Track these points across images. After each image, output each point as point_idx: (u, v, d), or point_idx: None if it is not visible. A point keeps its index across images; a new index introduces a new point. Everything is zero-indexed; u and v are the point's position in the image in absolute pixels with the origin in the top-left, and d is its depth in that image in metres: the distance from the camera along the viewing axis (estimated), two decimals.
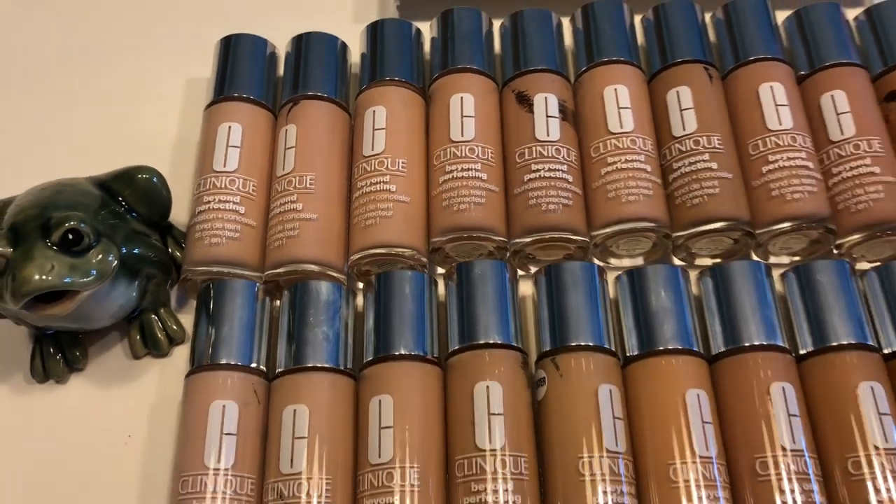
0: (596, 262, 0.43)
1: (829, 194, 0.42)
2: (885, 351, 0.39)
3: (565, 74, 0.46)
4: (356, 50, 0.48)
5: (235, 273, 0.41)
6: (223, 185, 0.42)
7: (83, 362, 0.42)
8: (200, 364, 0.38)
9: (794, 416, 0.37)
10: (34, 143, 0.49)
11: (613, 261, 0.44)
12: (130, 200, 0.41)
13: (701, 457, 0.36)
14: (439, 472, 0.36)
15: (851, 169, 0.42)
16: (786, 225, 0.41)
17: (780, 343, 0.38)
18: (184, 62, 0.51)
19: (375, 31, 0.47)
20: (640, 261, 0.43)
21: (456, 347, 0.38)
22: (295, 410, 0.37)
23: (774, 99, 0.43)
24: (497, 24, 0.48)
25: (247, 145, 0.43)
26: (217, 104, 0.45)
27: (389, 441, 0.36)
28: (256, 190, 0.43)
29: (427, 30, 0.48)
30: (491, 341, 0.38)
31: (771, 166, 0.42)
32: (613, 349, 0.39)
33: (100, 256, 0.36)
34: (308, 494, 0.35)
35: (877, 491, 0.35)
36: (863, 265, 0.42)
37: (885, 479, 0.35)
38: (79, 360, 0.41)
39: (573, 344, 0.38)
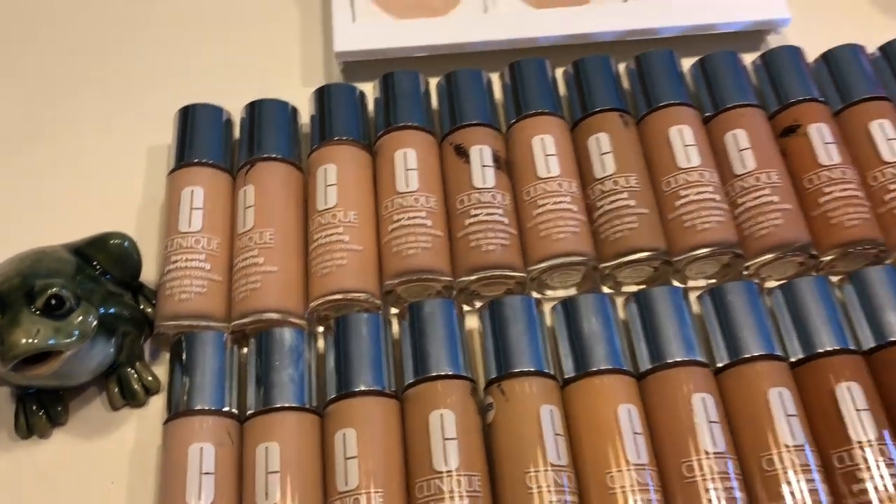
0: (534, 294, 0.48)
1: (736, 222, 0.47)
2: (792, 359, 0.44)
3: (497, 126, 0.51)
4: (305, 111, 0.52)
5: (204, 325, 0.44)
6: (189, 245, 0.46)
7: (65, 417, 0.45)
8: (177, 411, 0.42)
9: (714, 422, 0.41)
10: (8, 214, 0.52)
11: (549, 292, 0.48)
12: (104, 264, 0.44)
13: (634, 464, 0.40)
14: (401, 495, 0.40)
15: (754, 199, 0.47)
16: (699, 252, 0.46)
17: (698, 358, 0.43)
18: (145, 131, 0.54)
19: (323, 95, 0.51)
20: (572, 291, 0.48)
21: (411, 381, 0.42)
22: (267, 448, 0.40)
23: (683, 140, 0.49)
24: (433, 83, 0.53)
25: (209, 206, 0.47)
26: (179, 169, 0.48)
27: (355, 470, 0.40)
28: (220, 247, 0.46)
29: (370, 91, 0.53)
30: (442, 373, 0.42)
31: (683, 200, 0.47)
32: (552, 373, 0.43)
33: (80, 318, 0.40)
34: None
35: (788, 483, 0.40)
36: (770, 283, 0.48)
37: (795, 473, 0.40)
38: (60, 416, 0.44)
39: (516, 370, 0.42)
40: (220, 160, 0.49)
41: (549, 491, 0.39)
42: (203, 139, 0.49)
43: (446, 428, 0.40)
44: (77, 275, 0.42)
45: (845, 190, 0.47)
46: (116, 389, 0.45)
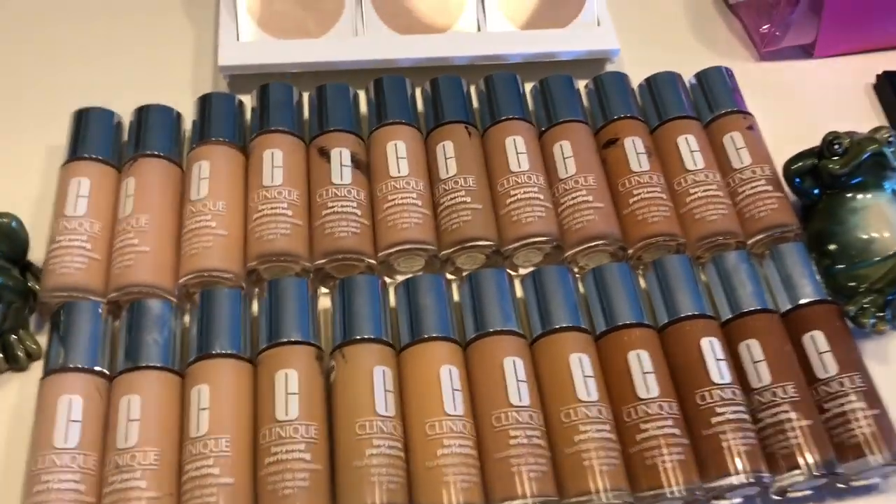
0: (385, 278, 0.54)
1: (558, 218, 0.55)
2: (597, 332, 0.51)
3: (359, 133, 0.58)
4: (191, 119, 0.59)
5: (83, 297, 0.50)
6: (73, 227, 0.51)
7: None
8: (52, 369, 0.47)
9: (522, 381, 0.48)
10: None
11: (398, 277, 0.55)
12: None
13: (451, 415, 0.46)
14: (247, 440, 0.45)
15: (572, 199, 0.55)
16: (524, 242, 0.53)
17: (515, 329, 0.50)
18: (45, 131, 0.60)
19: (204, 102, 0.58)
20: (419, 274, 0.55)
21: (264, 346, 0.49)
22: (129, 399, 0.46)
23: (516, 148, 0.56)
24: (306, 96, 0.60)
25: (94, 195, 0.53)
26: (70, 163, 0.54)
27: (206, 419, 0.45)
28: (102, 230, 0.52)
29: (249, 101, 0.59)
30: (291, 339, 0.48)
31: (512, 198, 0.54)
32: (390, 341, 0.49)
33: None
34: (139, 463, 0.44)
35: (581, 433, 0.47)
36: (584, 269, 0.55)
37: (588, 424, 0.47)
38: None
39: (357, 337, 0.49)
40: (108, 156, 0.55)
41: (377, 437, 0.45)
42: (93, 137, 0.55)
43: (290, 384, 0.46)
44: None
45: (651, 192, 0.55)
46: (1, 355, 0.50)
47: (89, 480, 0.44)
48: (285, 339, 0.48)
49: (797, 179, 0.56)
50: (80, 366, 0.47)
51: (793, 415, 0.48)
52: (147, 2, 0.69)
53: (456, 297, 0.53)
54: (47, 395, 0.46)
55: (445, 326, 0.50)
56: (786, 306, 0.53)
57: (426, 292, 0.51)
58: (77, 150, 0.55)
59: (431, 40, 0.63)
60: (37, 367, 0.51)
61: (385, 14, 0.63)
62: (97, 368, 0.47)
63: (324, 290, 0.54)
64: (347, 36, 0.63)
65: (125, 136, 0.57)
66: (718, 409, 0.48)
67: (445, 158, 0.56)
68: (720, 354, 0.49)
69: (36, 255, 0.53)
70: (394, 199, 0.54)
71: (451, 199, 0.54)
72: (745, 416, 0.48)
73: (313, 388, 0.47)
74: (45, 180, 0.58)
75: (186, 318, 0.51)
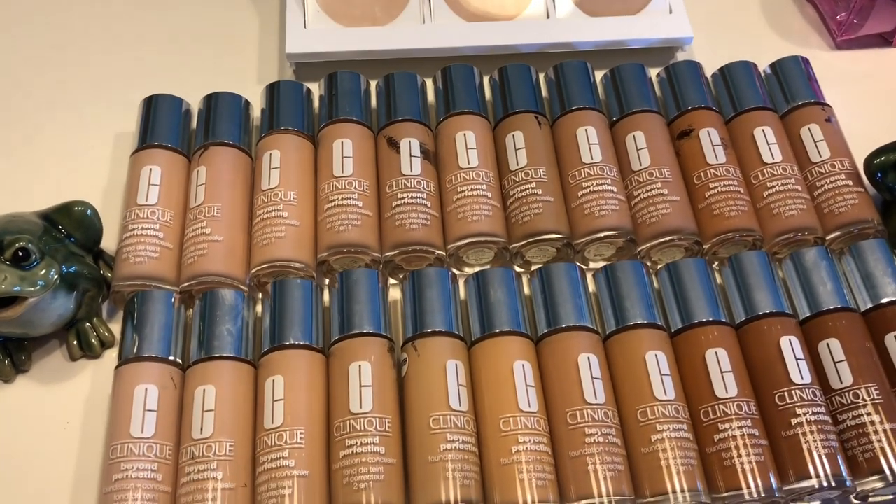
0: (453, 270, 0.54)
1: (632, 211, 0.54)
2: (672, 330, 0.50)
3: (427, 123, 0.57)
4: (258, 107, 0.58)
5: (155, 286, 0.50)
6: (145, 216, 0.51)
7: (28, 364, 0.50)
8: (127, 358, 0.47)
9: (597, 378, 0.47)
10: None
11: (467, 269, 0.54)
12: (68, 228, 0.50)
13: (525, 412, 0.46)
14: (321, 432, 0.45)
15: (647, 191, 0.54)
16: (596, 235, 0.52)
17: (588, 324, 0.49)
18: (113, 118, 0.60)
19: (273, 90, 0.57)
20: (487, 267, 0.54)
21: (336, 338, 0.48)
22: (204, 390, 0.46)
23: (588, 139, 0.55)
24: (373, 84, 0.59)
25: (165, 183, 0.53)
26: (140, 151, 0.54)
27: (280, 410, 0.45)
28: (173, 219, 0.52)
29: (316, 89, 0.59)
30: (363, 331, 0.48)
31: (584, 191, 0.53)
32: (461, 334, 0.49)
33: (44, 271, 0.45)
34: (215, 454, 0.44)
35: (658, 433, 0.46)
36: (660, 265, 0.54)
37: (665, 424, 0.46)
38: (24, 363, 0.50)
39: (429, 330, 0.48)
40: (178, 144, 0.55)
41: (451, 431, 0.45)
42: (163, 125, 0.55)
43: (363, 376, 0.46)
44: (43, 235, 0.48)
45: (728, 185, 0.54)
46: (75, 342, 0.50)
47: (165, 469, 0.45)
48: (358, 331, 0.48)
49: (878, 174, 0.55)
50: (154, 355, 0.47)
51: (876, 417, 0.47)
52: None
53: (525, 290, 0.52)
54: (123, 384, 0.46)
55: (517, 321, 0.49)
56: (867, 305, 0.51)
57: (497, 286, 0.50)
58: (147, 137, 0.55)
59: (499, 27, 0.62)
60: (109, 355, 0.51)
61: (452, 1, 0.62)
62: (171, 358, 0.48)
63: (392, 281, 0.54)
64: (415, 23, 0.62)
65: (193, 124, 0.57)
66: (798, 410, 0.47)
67: (515, 149, 0.55)
68: (800, 354, 0.48)
69: (106, 242, 0.53)
70: (464, 191, 0.53)
71: (522, 190, 0.53)
72: (826, 418, 0.47)
73: (386, 381, 0.47)
74: (113, 167, 0.59)
75: (257, 308, 0.51)
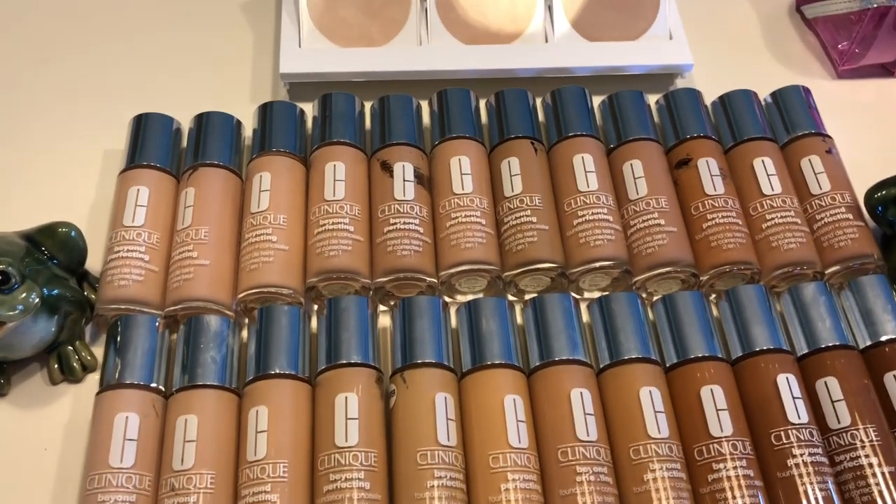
0: (445, 298, 0.52)
1: (627, 241, 0.53)
2: (667, 364, 0.49)
3: (422, 147, 0.56)
4: (251, 126, 0.57)
5: (140, 310, 0.49)
6: (131, 238, 0.50)
7: (6, 388, 0.49)
8: (108, 384, 0.46)
9: (590, 414, 0.46)
10: None
11: (459, 297, 0.53)
12: (51, 250, 0.48)
13: (515, 448, 0.45)
14: (305, 466, 0.44)
15: (643, 221, 0.53)
16: (591, 266, 0.51)
17: (582, 358, 0.48)
18: (102, 136, 0.59)
19: (265, 111, 0.56)
20: (480, 296, 0.53)
21: (323, 367, 0.47)
22: (186, 419, 0.45)
23: (585, 166, 0.54)
24: (368, 105, 0.58)
25: (152, 205, 0.52)
26: (128, 171, 0.53)
27: (264, 442, 0.44)
28: (160, 241, 0.51)
29: (310, 110, 0.58)
30: (350, 361, 0.47)
31: (580, 219, 0.52)
32: (451, 366, 0.48)
33: (24, 294, 0.44)
34: (195, 486, 0.43)
35: (651, 472, 0.45)
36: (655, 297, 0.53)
37: (658, 462, 0.45)
38: (3, 387, 0.49)
39: (418, 361, 0.47)
40: (167, 164, 0.54)
41: (439, 467, 0.44)
42: (152, 144, 0.54)
43: (350, 408, 0.45)
44: (25, 257, 0.46)
45: (726, 217, 0.53)
46: (56, 365, 0.49)
47: (144, 501, 0.43)
48: (345, 361, 0.47)
49: (879, 208, 0.54)
50: (136, 382, 0.46)
51: (874, 459, 0.46)
52: (206, 7, 0.68)
53: (518, 319, 0.51)
54: (104, 411, 0.45)
55: (510, 353, 0.48)
56: (866, 342, 0.50)
57: (490, 316, 0.49)
58: (136, 156, 0.54)
59: (497, 51, 0.61)
60: (91, 379, 0.50)
61: (450, 23, 0.61)
62: (154, 385, 0.46)
63: (382, 307, 0.53)
64: (411, 45, 0.61)
65: (184, 143, 0.56)
66: (795, 451, 0.45)
67: (511, 175, 0.54)
68: (797, 392, 0.47)
69: (91, 262, 0.52)
70: (457, 217, 0.52)
71: (517, 218, 0.52)
72: (823, 459, 0.46)
73: (372, 413, 0.46)
74: (101, 186, 0.58)
75: (243, 334, 0.50)
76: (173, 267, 0.50)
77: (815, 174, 0.55)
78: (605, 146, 0.57)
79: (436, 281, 0.51)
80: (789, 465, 0.45)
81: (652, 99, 0.60)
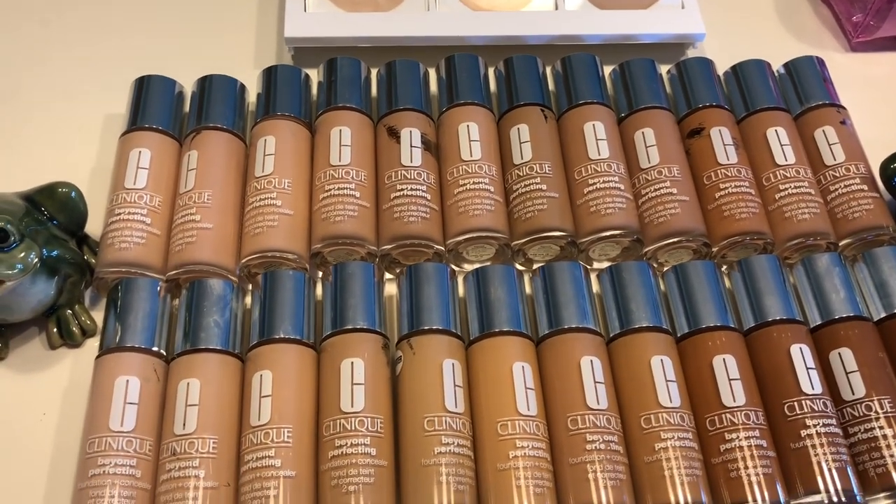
0: (452, 266, 0.51)
1: (639, 211, 0.52)
2: (678, 334, 0.48)
3: (429, 113, 0.55)
4: (255, 91, 0.56)
5: (141, 273, 0.48)
6: (132, 200, 0.49)
7: (5, 352, 0.48)
8: (108, 347, 0.45)
9: (600, 382, 0.45)
10: None
11: (466, 265, 0.52)
12: (51, 210, 0.47)
13: (523, 415, 0.44)
14: (310, 431, 0.43)
15: (655, 190, 0.52)
16: (601, 235, 0.50)
17: (591, 326, 0.47)
18: (104, 99, 0.58)
19: (269, 74, 0.55)
20: (487, 264, 0.52)
21: (328, 332, 0.46)
22: (188, 383, 0.44)
23: (595, 134, 0.53)
24: (374, 71, 0.57)
25: (154, 167, 0.51)
26: (130, 133, 0.52)
27: (268, 407, 0.43)
28: (162, 205, 0.50)
29: (315, 75, 0.57)
30: (357, 326, 0.46)
31: (590, 188, 0.51)
32: (459, 333, 0.47)
33: (23, 253, 0.43)
34: (197, 451, 0.42)
35: (663, 441, 0.44)
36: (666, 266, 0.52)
37: (670, 433, 0.44)
38: (1, 351, 0.47)
39: (425, 328, 0.46)
40: (169, 127, 0.53)
41: (446, 434, 0.43)
42: (154, 107, 0.53)
43: (356, 374, 0.44)
44: (24, 217, 0.45)
45: (739, 187, 0.52)
46: (55, 329, 0.48)
47: (145, 466, 0.42)
48: (351, 327, 0.46)
49: (894, 179, 0.53)
50: (137, 345, 0.45)
51: (888, 431, 0.45)
52: None
53: (527, 288, 0.50)
54: (103, 374, 0.44)
55: (518, 321, 0.47)
56: (880, 314, 0.49)
57: (498, 284, 0.48)
58: (137, 119, 0.53)
59: (506, 18, 0.60)
60: (90, 344, 0.49)
61: None
62: (155, 349, 0.45)
63: (388, 275, 0.52)
64: (419, 10, 0.60)
65: (186, 107, 0.55)
66: (808, 422, 0.45)
67: (520, 143, 0.53)
68: (811, 363, 0.46)
69: (91, 226, 0.51)
70: (465, 184, 0.51)
71: (526, 186, 0.51)
72: (837, 431, 0.45)
73: (379, 379, 0.45)
74: (102, 150, 0.56)
75: (247, 300, 0.49)
76: (175, 230, 0.49)
77: (830, 145, 0.54)
78: (616, 114, 0.56)
79: (443, 248, 0.50)
80: (802, 435, 0.44)
81: (664, 68, 0.58)
